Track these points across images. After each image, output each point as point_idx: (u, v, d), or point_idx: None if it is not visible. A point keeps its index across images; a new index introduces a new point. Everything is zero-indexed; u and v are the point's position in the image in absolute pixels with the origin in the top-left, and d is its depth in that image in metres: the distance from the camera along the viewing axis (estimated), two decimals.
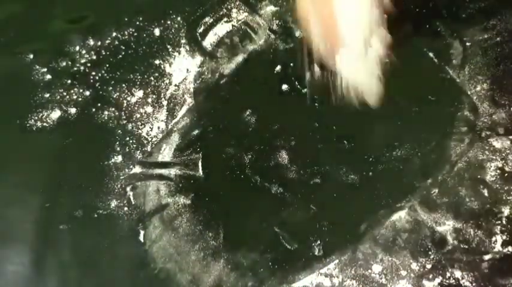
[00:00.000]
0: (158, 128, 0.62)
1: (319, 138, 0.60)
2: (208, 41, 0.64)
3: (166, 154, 0.61)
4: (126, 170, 0.60)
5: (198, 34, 0.64)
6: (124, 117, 0.61)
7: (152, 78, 0.63)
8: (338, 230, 0.57)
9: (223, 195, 0.59)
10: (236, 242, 0.58)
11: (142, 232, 0.58)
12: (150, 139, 0.61)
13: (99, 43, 0.63)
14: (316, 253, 0.57)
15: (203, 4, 0.65)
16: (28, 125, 0.61)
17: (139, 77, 0.63)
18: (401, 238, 0.57)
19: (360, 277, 0.56)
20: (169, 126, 0.62)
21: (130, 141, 0.61)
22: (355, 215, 0.58)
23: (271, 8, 0.64)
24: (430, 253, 0.56)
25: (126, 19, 0.64)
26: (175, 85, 0.63)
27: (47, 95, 0.62)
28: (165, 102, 0.62)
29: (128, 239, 0.57)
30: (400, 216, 0.57)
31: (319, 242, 0.57)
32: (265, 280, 0.57)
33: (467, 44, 0.61)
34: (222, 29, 0.64)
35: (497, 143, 0.59)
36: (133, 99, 0.62)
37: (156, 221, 0.58)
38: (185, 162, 0.60)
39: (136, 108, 0.62)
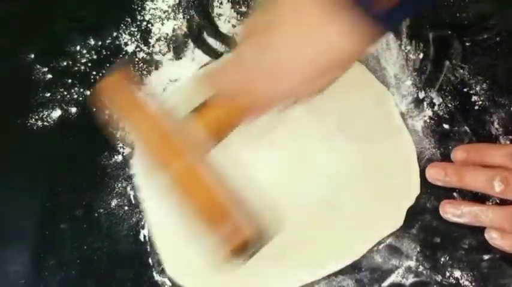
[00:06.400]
0: None
1: None
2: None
3: None
4: (127, 169, 0.60)
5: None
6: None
7: (153, 78, 0.63)
8: None
9: None
10: None
11: (142, 231, 0.58)
12: None
13: (99, 43, 0.63)
14: None
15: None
16: (29, 124, 0.61)
17: (140, 76, 0.63)
18: None
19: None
20: None
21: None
22: None
23: None
24: None
25: (127, 19, 0.64)
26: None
27: (48, 95, 0.62)
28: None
29: (128, 239, 0.57)
30: None
31: None
32: None
33: (467, 44, 0.61)
34: None
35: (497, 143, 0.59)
36: None
37: None
38: None
39: None
